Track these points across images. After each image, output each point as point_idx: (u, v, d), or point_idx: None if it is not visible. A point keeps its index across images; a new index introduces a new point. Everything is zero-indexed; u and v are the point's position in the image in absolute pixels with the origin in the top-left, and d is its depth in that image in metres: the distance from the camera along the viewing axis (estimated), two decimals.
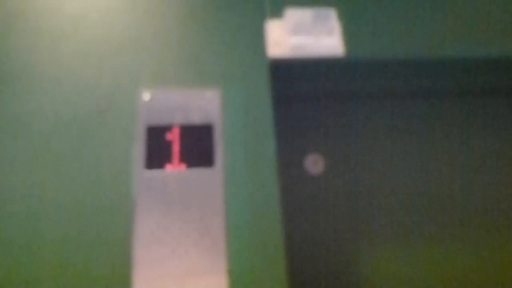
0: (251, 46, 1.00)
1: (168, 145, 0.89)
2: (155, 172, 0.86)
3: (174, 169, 0.86)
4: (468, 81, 1.19)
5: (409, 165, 1.18)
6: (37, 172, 0.87)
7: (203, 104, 0.93)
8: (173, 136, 0.90)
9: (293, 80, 1.13)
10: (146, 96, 0.93)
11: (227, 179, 0.86)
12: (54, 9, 1.03)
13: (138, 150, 0.88)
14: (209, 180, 0.85)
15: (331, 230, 1.11)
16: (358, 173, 1.16)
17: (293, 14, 1.06)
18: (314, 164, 1.17)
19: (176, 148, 0.89)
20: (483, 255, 1.09)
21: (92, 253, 0.80)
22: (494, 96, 1.27)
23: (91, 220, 0.83)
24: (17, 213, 0.83)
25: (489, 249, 1.09)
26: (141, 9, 1.05)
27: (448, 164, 1.18)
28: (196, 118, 0.91)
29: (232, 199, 0.84)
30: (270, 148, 0.89)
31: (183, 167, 0.86)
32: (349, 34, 1.07)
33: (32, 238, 0.81)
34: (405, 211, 1.13)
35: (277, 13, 1.07)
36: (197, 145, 0.89)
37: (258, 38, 1.02)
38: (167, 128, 0.90)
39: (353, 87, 1.17)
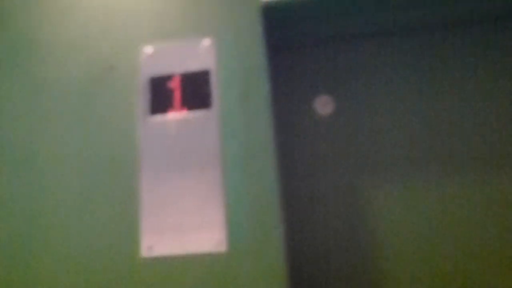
0: None
1: (170, 92, 0.95)
2: (158, 117, 0.93)
3: (176, 114, 0.93)
4: (471, 9, 1.15)
5: (418, 101, 1.17)
6: (56, 123, 0.97)
7: (199, 52, 0.98)
8: (174, 84, 0.96)
9: (293, 24, 1.15)
10: (148, 50, 1.00)
11: (223, 119, 0.91)
12: None
13: (143, 99, 0.95)
14: (207, 121, 0.91)
15: (339, 168, 1.15)
16: (366, 112, 1.17)
17: None
18: (324, 105, 1.20)
19: (177, 95, 0.95)
20: (487, 191, 1.08)
21: (101, 196, 0.90)
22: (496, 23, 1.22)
23: (101, 163, 0.92)
24: (41, 154, 0.94)
25: (492, 185, 1.08)
26: None
27: (456, 98, 1.16)
28: (194, 66, 0.97)
29: (227, 138, 0.90)
30: (263, 89, 0.92)
31: (183, 111, 0.93)
32: None
33: (48, 178, 0.92)
34: (412, 148, 1.14)
35: None
36: (196, 90, 0.95)
37: None
38: (168, 78, 0.97)
39: (355, 25, 1.17)
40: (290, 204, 1.11)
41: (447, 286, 1.02)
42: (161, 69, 0.98)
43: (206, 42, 0.98)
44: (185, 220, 0.84)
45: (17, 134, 0.99)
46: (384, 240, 1.06)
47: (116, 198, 0.89)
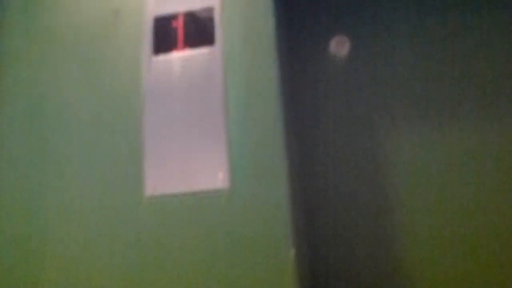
0: None
1: (173, 31, 0.93)
2: (162, 57, 0.91)
3: (179, 52, 0.90)
4: None
5: (438, 42, 1.10)
6: (66, 69, 0.97)
7: None
8: (178, 23, 0.93)
9: None
10: None
11: (226, 57, 0.88)
12: None
13: (147, 39, 0.93)
14: (210, 59, 0.88)
15: (353, 110, 1.10)
16: (382, 53, 1.11)
17: None
18: (339, 45, 1.14)
19: (180, 34, 0.92)
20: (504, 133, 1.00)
21: (108, 138, 0.89)
22: None
23: (107, 103, 0.92)
24: (50, 96, 0.95)
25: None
26: None
27: (480, 38, 1.07)
28: (197, 3, 0.93)
29: (231, 75, 0.87)
30: (268, 27, 0.88)
31: (187, 49, 0.90)
32: None
33: (60, 123, 0.93)
34: (427, 91, 1.07)
35: None
36: (199, 28, 0.91)
37: None
38: (172, 17, 0.94)
39: None
40: (305, 143, 1.08)
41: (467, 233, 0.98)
42: (165, 9, 0.95)
43: None
44: (189, 158, 0.83)
45: (30, 75, 0.99)
46: (401, 179, 1.02)
47: (122, 139, 0.88)
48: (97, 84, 0.94)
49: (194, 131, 0.85)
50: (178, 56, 0.90)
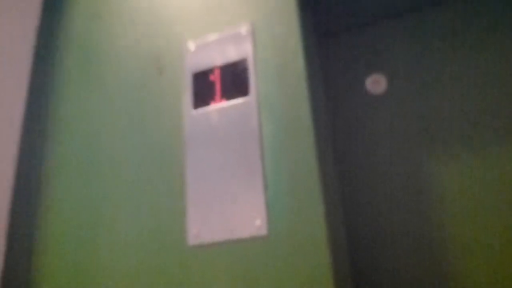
0: None
1: (211, 85, 0.97)
2: (201, 110, 0.95)
3: (217, 105, 0.94)
4: None
5: (473, 77, 1.06)
6: (115, 122, 1.05)
7: (237, 41, 0.99)
8: (215, 77, 0.98)
9: (338, 6, 1.11)
10: (191, 47, 1.03)
11: (261, 105, 0.91)
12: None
13: (187, 94, 0.99)
14: (246, 108, 0.91)
15: (393, 147, 1.07)
16: (419, 90, 1.09)
17: None
18: (376, 84, 1.14)
19: (218, 87, 0.97)
20: None
21: (153, 188, 0.94)
22: None
23: (153, 156, 0.98)
24: (102, 150, 1.03)
25: None
26: None
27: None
28: (232, 55, 0.98)
29: (266, 122, 0.89)
30: (300, 72, 0.90)
31: (224, 101, 0.94)
32: None
33: (108, 172, 1.00)
34: (469, 126, 1.03)
35: None
36: (235, 80, 0.95)
37: None
38: (209, 71, 0.99)
39: (401, 1, 1.10)
40: (347, 184, 1.07)
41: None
42: (202, 64, 1.01)
43: (243, 30, 0.99)
44: (228, 206, 0.85)
45: (85, 130, 1.09)
46: (448, 214, 0.97)
47: (165, 189, 0.93)
48: (143, 136, 1.01)
49: (233, 178, 0.87)
50: (216, 107, 0.95)
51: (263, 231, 0.80)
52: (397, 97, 1.09)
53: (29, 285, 0.98)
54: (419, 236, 0.97)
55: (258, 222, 0.81)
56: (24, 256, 1.00)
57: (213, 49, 1.01)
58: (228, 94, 0.95)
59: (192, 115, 0.97)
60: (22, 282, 0.98)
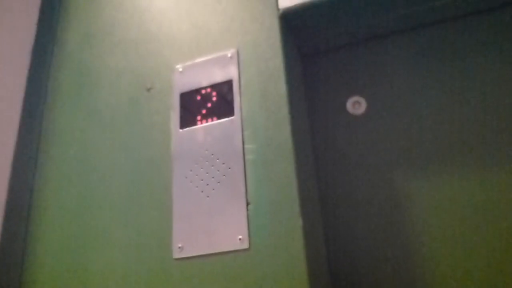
0: (261, 2, 1.08)
1: (198, 105, 1.02)
2: (187, 129, 1.00)
3: (202, 125, 0.99)
4: None
5: (452, 97, 1.12)
6: (105, 141, 1.10)
7: (223, 64, 1.04)
8: (201, 97, 1.03)
9: (318, 28, 1.17)
10: (179, 69, 1.08)
11: (245, 124, 0.96)
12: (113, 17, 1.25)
13: (175, 113, 1.03)
14: (231, 128, 0.96)
15: (372, 166, 1.13)
16: (398, 111, 1.15)
17: None
18: (357, 104, 1.19)
19: (204, 106, 1.02)
20: None
21: (140, 204, 0.99)
22: None
23: (141, 172, 1.02)
24: (92, 168, 1.08)
25: None
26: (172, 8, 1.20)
27: (492, 89, 1.08)
28: (219, 77, 1.03)
29: (249, 142, 0.94)
30: (281, 94, 0.95)
31: (210, 121, 0.99)
32: None
33: (98, 188, 1.04)
34: (447, 147, 1.09)
35: None
36: (221, 100, 1.00)
37: None
38: (196, 92, 1.04)
39: (379, 22, 1.16)
40: (326, 203, 1.11)
41: (489, 279, 0.95)
42: (190, 85, 1.06)
43: (230, 53, 1.04)
44: (212, 221, 0.89)
45: (75, 150, 1.13)
46: (425, 233, 1.02)
47: (153, 204, 0.97)
48: (132, 153, 1.06)
49: (217, 195, 0.91)
50: (202, 126, 1.00)
51: (245, 245, 0.84)
52: (377, 117, 1.14)
53: None
54: (398, 253, 1.02)
55: (240, 236, 0.85)
56: (16, 264, 1.04)
57: (200, 71, 1.06)
58: (214, 113, 1.00)
59: (179, 133, 1.01)
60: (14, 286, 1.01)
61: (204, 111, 1.01)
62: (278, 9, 1.07)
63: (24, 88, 1.26)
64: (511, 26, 1.14)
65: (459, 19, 1.18)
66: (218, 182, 0.92)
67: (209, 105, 1.01)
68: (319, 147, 1.17)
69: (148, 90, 1.11)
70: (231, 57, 1.04)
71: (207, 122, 0.99)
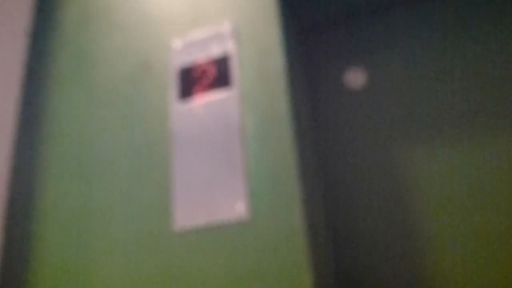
0: None
1: (196, 81, 1.03)
2: (187, 103, 1.00)
3: (201, 97, 0.99)
4: None
5: (452, 68, 1.11)
6: (105, 119, 1.10)
7: (220, 38, 1.04)
8: (199, 73, 1.03)
9: (315, 3, 1.16)
10: (176, 44, 1.08)
11: (243, 98, 0.96)
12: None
13: (173, 88, 1.03)
14: (229, 101, 0.97)
15: (370, 138, 1.13)
16: (398, 84, 1.14)
17: None
18: (355, 78, 1.19)
19: (202, 81, 1.02)
20: None
21: (141, 178, 1.00)
22: None
23: (140, 149, 1.03)
24: (94, 145, 1.08)
25: None
26: None
27: (492, 56, 1.08)
28: (216, 51, 1.03)
29: (247, 114, 0.94)
30: (280, 67, 0.95)
31: (208, 94, 0.99)
32: None
33: (100, 163, 1.05)
34: (447, 119, 1.08)
35: None
36: (218, 74, 1.01)
37: None
38: (194, 66, 1.04)
39: None
40: (328, 176, 1.12)
41: (491, 252, 0.95)
42: (187, 61, 1.06)
43: (227, 29, 1.04)
44: (212, 194, 0.90)
45: (77, 129, 1.14)
46: (427, 205, 1.03)
47: (153, 179, 0.98)
48: (132, 131, 1.06)
49: (217, 167, 0.92)
50: (200, 100, 1.00)
51: (245, 216, 0.85)
52: (376, 91, 1.14)
53: (26, 279, 1.03)
54: (396, 222, 1.03)
55: (240, 207, 0.86)
56: (21, 252, 1.05)
57: (197, 47, 1.06)
58: (212, 87, 1.00)
59: (178, 109, 1.01)
60: (19, 280, 1.03)
61: (202, 87, 1.02)
62: None
63: (21, 72, 1.27)
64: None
65: None
66: (217, 156, 0.93)
67: (207, 80, 1.02)
68: (318, 119, 1.17)
69: (146, 68, 1.12)
70: (228, 33, 1.04)
71: (205, 97, 1.00)
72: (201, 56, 1.05)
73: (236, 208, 0.87)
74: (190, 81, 1.03)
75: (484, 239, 0.97)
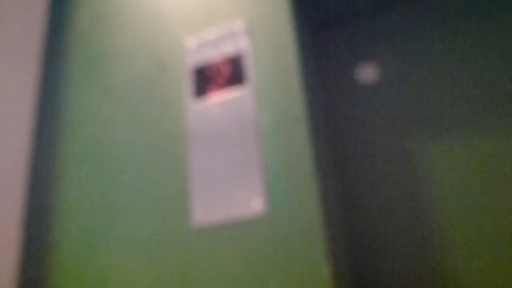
0: None
1: (211, 78, 1.04)
2: (202, 101, 1.02)
3: (216, 95, 1.00)
4: None
5: (461, 68, 1.12)
6: (122, 117, 1.11)
7: (234, 37, 1.05)
8: (214, 71, 1.04)
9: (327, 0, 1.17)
10: (190, 44, 1.09)
11: (258, 95, 0.97)
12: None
13: (188, 87, 1.05)
14: (244, 98, 0.98)
15: (383, 133, 1.13)
16: (409, 76, 1.15)
17: None
18: (368, 73, 1.19)
19: (217, 79, 1.03)
20: None
21: (159, 174, 1.01)
22: None
23: (158, 146, 1.04)
24: (111, 143, 1.10)
25: None
26: None
27: (501, 54, 1.08)
28: (230, 50, 1.04)
29: (263, 111, 0.95)
30: (293, 64, 0.96)
31: (223, 92, 1.00)
32: None
33: (117, 160, 1.07)
34: (457, 114, 1.08)
35: None
36: (233, 72, 1.02)
37: None
38: (208, 65, 1.05)
39: None
40: (343, 171, 1.13)
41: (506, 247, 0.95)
42: (202, 60, 1.07)
43: (240, 27, 1.05)
44: (229, 189, 0.91)
45: (93, 126, 1.15)
46: (440, 198, 1.03)
47: (171, 176, 1.00)
48: (149, 128, 1.08)
49: (233, 164, 0.94)
50: (215, 98, 1.01)
51: (262, 212, 0.86)
52: (387, 85, 1.14)
53: (45, 277, 1.05)
54: (411, 218, 1.03)
55: (257, 203, 0.87)
56: (39, 250, 1.07)
57: (211, 46, 1.08)
58: (227, 84, 1.01)
59: (194, 107, 1.03)
60: (38, 277, 1.05)
61: (216, 85, 1.03)
62: None
63: (37, 71, 1.29)
64: None
65: None
66: (234, 153, 0.94)
67: (221, 79, 1.03)
68: (332, 114, 1.18)
69: (161, 67, 1.13)
70: (241, 31, 1.05)
71: (220, 95, 1.01)
72: (215, 54, 1.06)
73: (253, 204, 0.88)
74: (205, 79, 1.05)
75: (502, 238, 0.97)
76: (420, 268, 1.00)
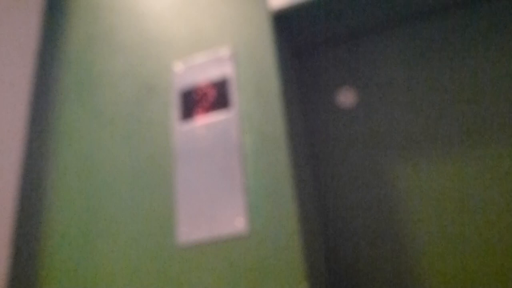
0: (254, 4, 1.14)
1: (196, 101, 1.09)
2: (188, 123, 1.07)
3: (202, 118, 1.05)
4: None
5: (441, 88, 1.18)
6: (110, 138, 1.16)
7: (219, 62, 1.11)
8: (200, 94, 1.09)
9: (309, 26, 1.23)
10: (177, 68, 1.15)
11: (241, 118, 1.03)
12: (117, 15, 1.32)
13: (175, 109, 1.10)
14: (228, 121, 1.03)
15: (362, 154, 1.19)
16: (386, 101, 1.21)
17: None
18: (346, 97, 1.25)
19: (202, 102, 1.08)
20: None
21: (145, 194, 1.05)
22: None
23: (144, 166, 1.09)
24: (99, 163, 1.14)
25: None
26: (170, 10, 1.27)
27: (475, 80, 1.15)
28: (215, 75, 1.10)
29: (245, 133, 1.00)
30: (275, 89, 1.02)
31: (208, 115, 1.05)
32: None
33: (104, 180, 1.10)
34: (432, 130, 1.15)
35: None
36: (218, 96, 1.07)
37: None
38: (194, 89, 1.11)
39: (369, 19, 1.22)
40: (323, 190, 1.18)
41: (476, 264, 1.01)
42: (188, 84, 1.12)
43: (225, 53, 1.11)
44: (212, 209, 0.96)
45: (81, 146, 1.19)
46: (412, 218, 1.09)
47: (157, 195, 1.04)
48: (136, 149, 1.12)
49: (217, 185, 0.98)
50: (201, 120, 1.06)
51: (244, 231, 0.91)
52: (367, 109, 1.20)
53: (34, 284, 1.07)
54: (388, 234, 1.08)
55: (239, 223, 0.92)
56: (29, 259, 1.10)
57: (198, 71, 1.13)
58: (212, 108, 1.06)
59: (180, 129, 1.08)
60: (27, 283, 1.07)
61: (202, 108, 1.08)
62: (269, 10, 1.14)
63: (29, 90, 1.33)
64: (496, 19, 1.21)
65: (449, 12, 1.25)
66: (218, 173, 0.99)
67: (207, 102, 1.08)
68: (312, 136, 1.24)
69: (149, 90, 1.18)
70: (226, 57, 1.11)
71: (206, 118, 1.06)
72: (202, 79, 1.11)
73: (236, 222, 0.92)
74: (192, 103, 1.10)
75: (472, 245, 1.02)
76: (397, 279, 1.05)
